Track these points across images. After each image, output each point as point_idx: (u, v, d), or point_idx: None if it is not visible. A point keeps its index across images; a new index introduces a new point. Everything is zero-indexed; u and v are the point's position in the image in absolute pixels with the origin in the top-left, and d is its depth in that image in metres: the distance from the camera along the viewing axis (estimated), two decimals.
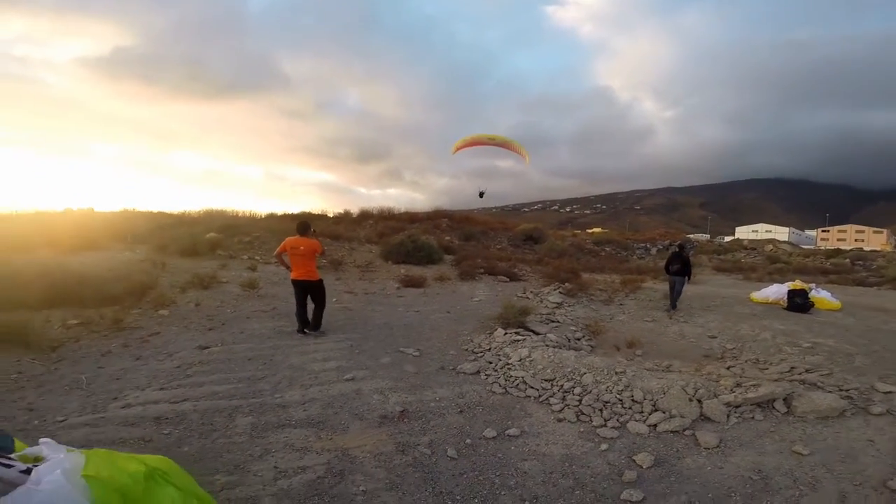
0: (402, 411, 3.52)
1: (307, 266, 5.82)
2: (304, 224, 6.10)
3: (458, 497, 2.54)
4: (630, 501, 2.59)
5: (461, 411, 3.64)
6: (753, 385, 4.30)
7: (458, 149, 13.38)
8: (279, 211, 21.23)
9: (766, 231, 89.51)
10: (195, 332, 5.45)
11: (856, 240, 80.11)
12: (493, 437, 3.24)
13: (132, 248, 12.02)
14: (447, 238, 18.83)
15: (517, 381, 4.27)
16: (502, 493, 2.61)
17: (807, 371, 5.09)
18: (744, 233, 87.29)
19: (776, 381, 4.52)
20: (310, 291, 5.84)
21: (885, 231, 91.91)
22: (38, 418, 3.19)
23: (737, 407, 3.91)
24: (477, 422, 3.47)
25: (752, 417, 3.83)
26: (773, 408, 3.97)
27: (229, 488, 2.42)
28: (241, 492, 2.40)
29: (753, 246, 31.85)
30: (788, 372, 5.11)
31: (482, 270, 12.22)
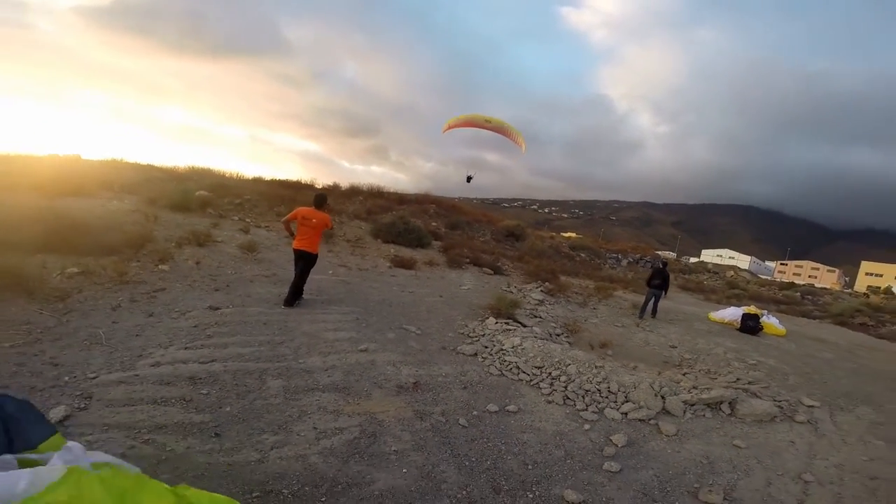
0: (416, 383, 4.02)
1: (311, 238, 5.91)
2: (323, 197, 6.23)
3: (472, 459, 3.07)
4: (611, 471, 3.20)
5: (465, 387, 4.18)
6: (706, 388, 5.04)
7: (449, 127, 12.88)
8: (267, 175, 20.99)
9: (730, 257, 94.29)
10: (201, 292, 5.68)
11: (809, 276, 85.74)
12: (496, 412, 3.80)
13: (120, 197, 11.83)
14: (434, 224, 19.24)
15: (511, 366, 4.86)
16: (508, 457, 3.16)
17: (749, 383, 5.91)
18: (709, 256, 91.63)
19: (724, 388, 5.28)
20: (305, 262, 5.90)
21: (837, 271, 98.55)
22: (67, 374, 3.23)
23: (692, 405, 4.63)
24: (479, 398, 4.02)
25: (704, 415, 4.56)
26: (720, 409, 4.73)
27: (278, 447, 2.79)
28: (289, 450, 2.77)
29: (716, 270, 33.79)
30: (734, 382, 5.91)
31: (468, 260, 12.77)
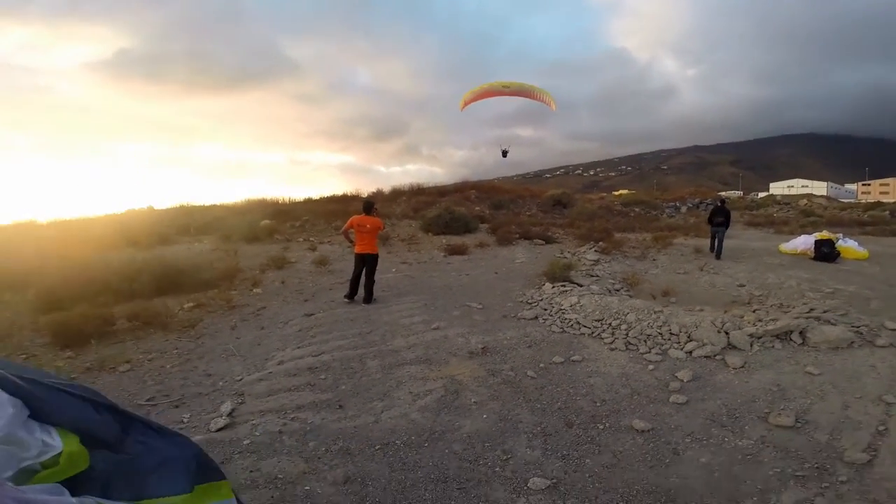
0: (484, 348, 4.48)
1: (370, 241, 6.61)
2: (370, 204, 6.89)
3: (544, 402, 3.48)
4: (677, 403, 3.48)
5: (529, 346, 4.59)
6: (773, 320, 5.07)
7: (466, 103, 12.25)
8: (314, 194, 22.32)
9: (803, 186, 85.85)
10: (294, 304, 6.50)
11: None
12: (561, 363, 4.17)
13: (199, 239, 13.25)
14: (477, 208, 19.56)
15: (571, 323, 5.19)
16: (577, 398, 3.54)
17: (824, 312, 5.78)
18: (779, 188, 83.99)
19: (794, 318, 5.25)
20: (367, 264, 6.55)
21: None
22: (220, 380, 3.96)
23: (759, 338, 4.70)
24: (544, 353, 4.41)
25: (773, 346, 4.62)
26: (791, 339, 4.75)
27: (386, 410, 3.38)
28: (395, 412, 3.35)
29: (787, 201, 31.22)
30: (808, 313, 5.80)
31: (518, 235, 13.01)
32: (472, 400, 3.48)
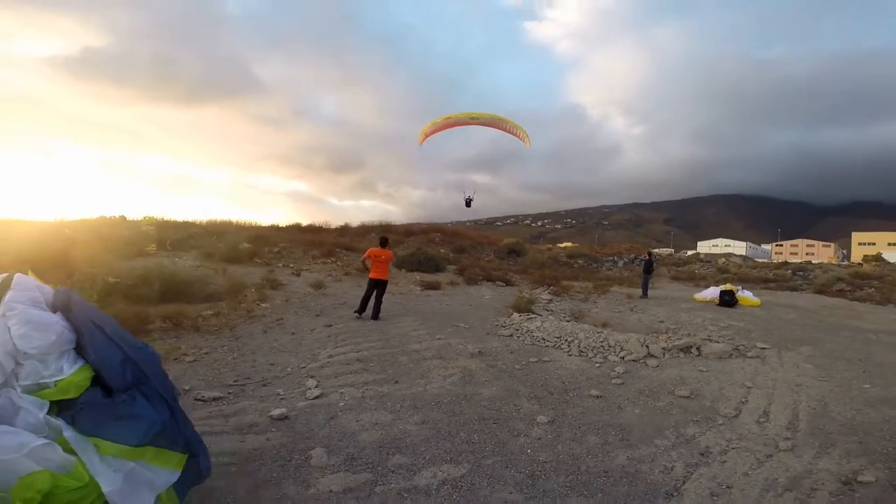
0: (479, 351, 6.04)
1: (383, 269, 8.13)
2: (385, 239, 8.58)
3: (531, 382, 5.02)
4: (616, 384, 5.17)
5: (511, 352, 6.20)
6: (678, 339, 7.08)
7: (427, 135, 11.69)
8: (268, 221, 23.09)
9: (726, 246, 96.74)
10: (307, 318, 7.69)
11: (807, 253, 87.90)
12: (536, 362, 5.81)
13: (176, 254, 13.70)
14: (441, 250, 21.40)
15: (538, 338, 6.89)
16: (552, 381, 5.14)
17: (715, 337, 7.93)
18: (704, 247, 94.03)
19: (693, 339, 7.29)
20: (379, 287, 8.01)
21: (833, 245, 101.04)
22: (287, 367, 4.98)
23: (668, 350, 6.63)
24: (522, 356, 6.03)
25: (678, 356, 6.55)
26: (690, 351, 6.72)
27: (428, 385, 4.68)
28: (434, 386, 4.68)
29: (709, 259, 35.95)
30: (705, 337, 7.92)
31: (482, 277, 14.85)
32: (483, 380, 4.99)
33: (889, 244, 74.41)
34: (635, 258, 30.23)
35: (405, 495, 2.62)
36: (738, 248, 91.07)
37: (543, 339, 6.91)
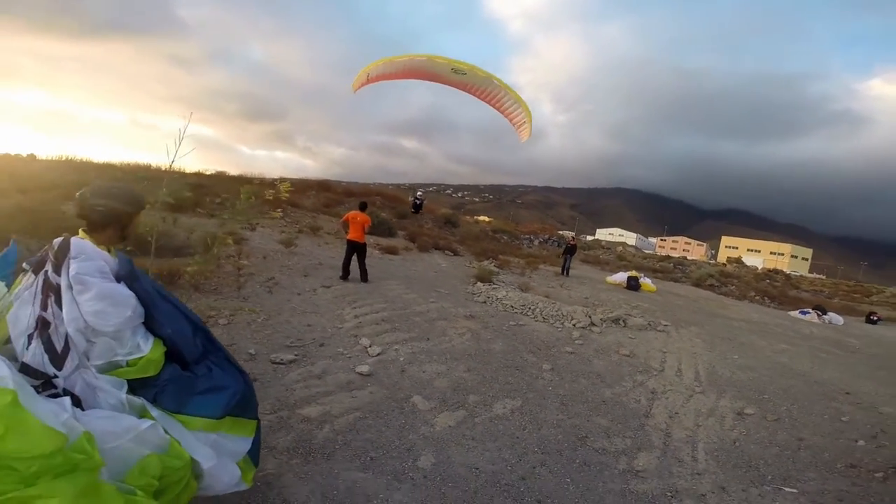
0: (471, 315, 7.10)
1: (359, 232, 8.55)
2: (363, 203, 9.05)
3: (521, 340, 6.22)
4: (578, 344, 6.61)
5: (493, 316, 7.37)
6: (611, 313, 8.86)
7: (370, 80, 8.69)
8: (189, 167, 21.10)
9: (620, 235, 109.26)
10: (298, 278, 7.90)
11: (684, 249, 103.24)
12: (514, 325, 7.04)
13: None
14: (383, 214, 21.82)
15: (508, 306, 8.16)
16: (534, 340, 6.38)
17: (632, 313, 9.94)
18: (602, 234, 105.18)
19: (620, 314, 9.14)
20: (357, 250, 8.51)
21: (705, 245, 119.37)
22: (328, 328, 5.33)
23: (604, 321, 8.33)
24: (503, 320, 7.22)
25: (612, 325, 8.28)
26: (619, 323, 8.50)
27: (451, 341, 5.53)
28: (455, 342, 5.55)
29: (608, 246, 40.78)
30: (625, 313, 9.89)
31: (432, 245, 15.81)
32: (488, 337, 6.09)
33: (748, 250, 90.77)
34: (548, 239, 33.29)
35: (495, 422, 3.60)
36: (630, 238, 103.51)
37: (512, 306, 8.19)
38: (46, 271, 1.67)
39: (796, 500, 2.97)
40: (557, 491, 2.72)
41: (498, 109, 8.42)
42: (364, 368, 4.23)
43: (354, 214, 8.68)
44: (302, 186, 22.71)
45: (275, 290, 6.90)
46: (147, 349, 1.73)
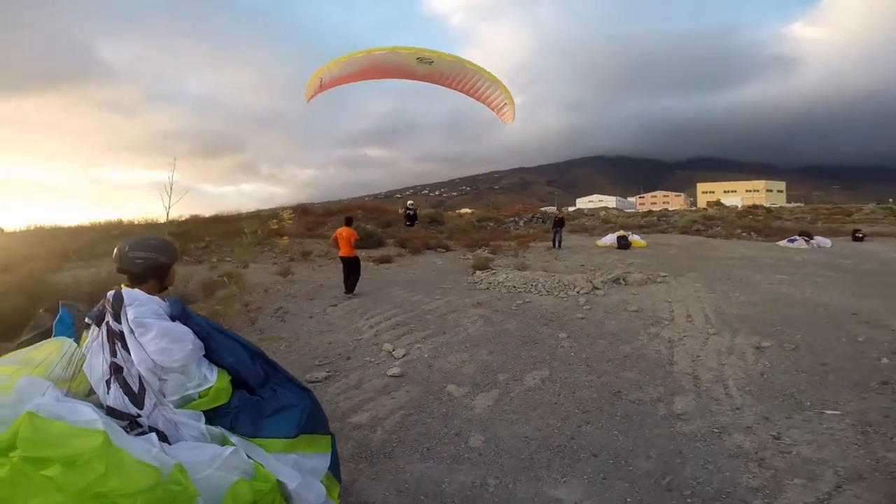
0: (478, 302, 7.20)
1: (347, 247, 8.58)
2: (349, 218, 9.09)
3: (532, 315, 6.33)
4: (587, 309, 6.76)
5: (499, 299, 7.48)
6: (610, 274, 9.04)
7: (322, 88, 7.46)
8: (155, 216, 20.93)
9: (599, 201, 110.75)
10: (304, 302, 7.92)
11: (663, 203, 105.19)
12: (522, 303, 7.16)
13: (90, 264, 12.34)
14: (368, 226, 21.80)
15: (510, 287, 8.28)
16: (544, 314, 6.49)
17: (630, 271, 10.15)
18: (583, 203, 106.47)
19: (618, 273, 9.34)
20: (348, 264, 8.51)
21: (682, 194, 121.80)
22: (349, 342, 5.35)
23: (605, 283, 8.51)
24: (510, 301, 7.34)
25: (613, 286, 8.46)
26: (620, 282, 8.69)
27: (466, 329, 5.61)
28: (471, 330, 5.62)
29: (592, 213, 41.28)
30: (623, 272, 10.11)
31: (423, 247, 15.87)
32: (500, 319, 6.20)
33: (725, 191, 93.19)
34: (532, 217, 33.57)
35: (529, 393, 3.72)
36: (610, 202, 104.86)
37: (514, 286, 8.31)
38: (108, 321, 1.77)
39: (842, 420, 3.11)
40: (608, 443, 2.84)
41: (474, 96, 7.66)
42: (395, 371, 4.32)
43: (341, 231, 8.74)
44: (273, 215, 22.57)
45: (286, 318, 6.93)
46: (214, 379, 1.80)
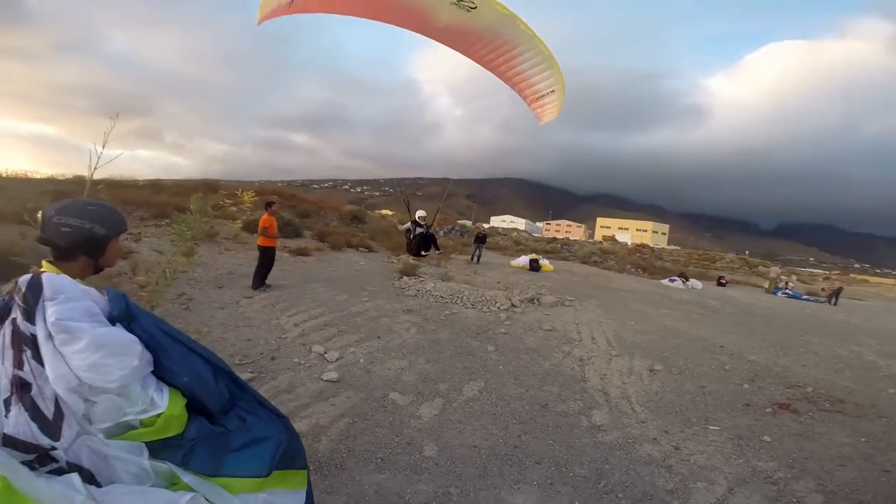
0: (409, 309, 7.24)
1: (260, 236, 7.95)
2: (266, 203, 8.42)
3: (460, 327, 6.56)
4: (507, 324, 7.18)
5: (429, 307, 7.61)
6: (526, 294, 9.72)
7: (277, 12, 4.69)
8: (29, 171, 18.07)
9: (511, 221, 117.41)
10: (211, 290, 7.25)
11: (566, 231, 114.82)
12: (449, 314, 7.38)
13: None
14: (284, 214, 20.61)
15: (438, 297, 8.47)
16: (470, 326, 6.78)
17: (542, 292, 10.99)
18: (496, 221, 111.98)
19: (533, 293, 10.07)
20: (261, 254, 7.86)
21: (583, 226, 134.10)
22: (270, 339, 5.06)
23: (522, 301, 9.12)
24: (438, 310, 7.51)
25: (529, 305, 9.10)
26: (534, 302, 9.38)
27: (400, 336, 5.62)
28: (406, 336, 5.64)
29: (505, 233, 43.63)
30: (536, 293, 10.90)
31: (344, 244, 15.45)
32: (432, 328, 6.32)
33: (619, 228, 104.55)
34: (452, 229, 34.55)
35: (470, 403, 3.88)
36: (520, 223, 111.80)
37: (442, 297, 8.52)
38: (14, 319, 1.32)
39: (721, 434, 3.78)
40: (547, 451, 3.12)
41: (508, 74, 5.38)
42: (332, 375, 4.19)
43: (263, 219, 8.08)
44: (187, 188, 20.42)
45: (191, 306, 6.29)
46: (164, 404, 1.40)
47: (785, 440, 3.73)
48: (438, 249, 9.49)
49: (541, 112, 5.55)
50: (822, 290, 22.34)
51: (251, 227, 14.34)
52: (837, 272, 57.08)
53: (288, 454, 1.61)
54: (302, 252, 12.66)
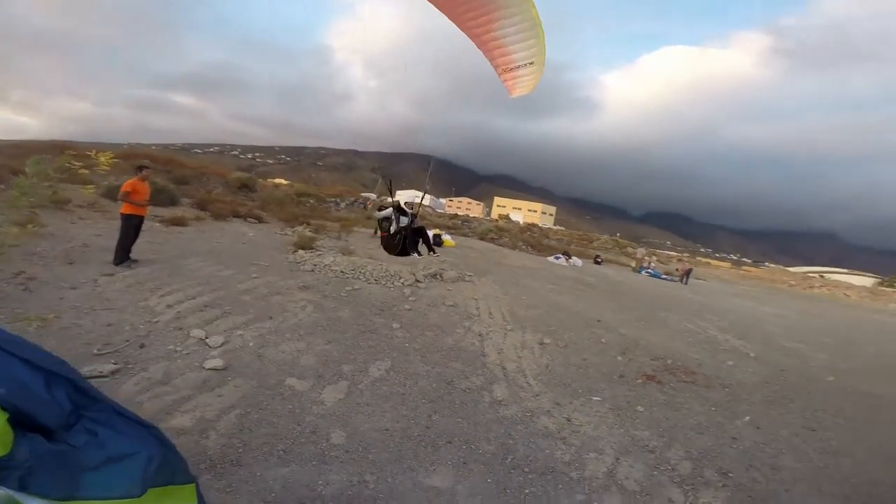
0: (304, 286, 6.74)
1: (122, 200, 6.73)
2: (137, 167, 7.21)
3: (363, 304, 6.32)
4: (411, 300, 7.12)
5: (328, 283, 7.20)
6: (429, 270, 9.81)
7: None
8: None
9: (415, 196, 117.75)
10: (60, 267, 5.90)
11: (466, 208, 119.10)
12: (351, 290, 7.07)
13: None
14: (156, 180, 17.89)
15: (338, 272, 8.08)
16: (374, 302, 6.58)
17: (444, 268, 11.20)
18: (403, 196, 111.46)
19: (436, 269, 10.21)
20: (124, 223, 6.66)
21: (482, 204, 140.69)
22: (138, 324, 4.34)
23: (426, 276, 9.18)
24: (338, 286, 7.15)
25: (432, 280, 9.19)
26: (437, 278, 9.50)
27: (294, 317, 5.15)
28: (301, 317, 5.21)
29: (411, 207, 43.66)
30: (437, 268, 11.07)
31: (230, 213, 13.93)
32: (332, 306, 5.95)
33: (514, 208, 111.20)
34: (355, 201, 33.48)
35: (377, 384, 3.71)
36: (425, 199, 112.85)
37: (342, 272, 8.15)
38: None
39: (603, 405, 4.18)
40: (457, 430, 3.15)
41: (486, 36, 4.68)
42: (215, 363, 3.72)
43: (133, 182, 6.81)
44: (30, 149, 16.50)
45: (33, 287, 5.11)
46: None
47: (654, 409, 4.29)
48: (433, 250, 7.41)
49: (512, 84, 5.00)
50: (676, 270, 26.40)
51: (114, 193, 12.17)
52: (687, 255, 68.30)
53: (164, 468, 1.41)
54: (178, 221, 11.09)
